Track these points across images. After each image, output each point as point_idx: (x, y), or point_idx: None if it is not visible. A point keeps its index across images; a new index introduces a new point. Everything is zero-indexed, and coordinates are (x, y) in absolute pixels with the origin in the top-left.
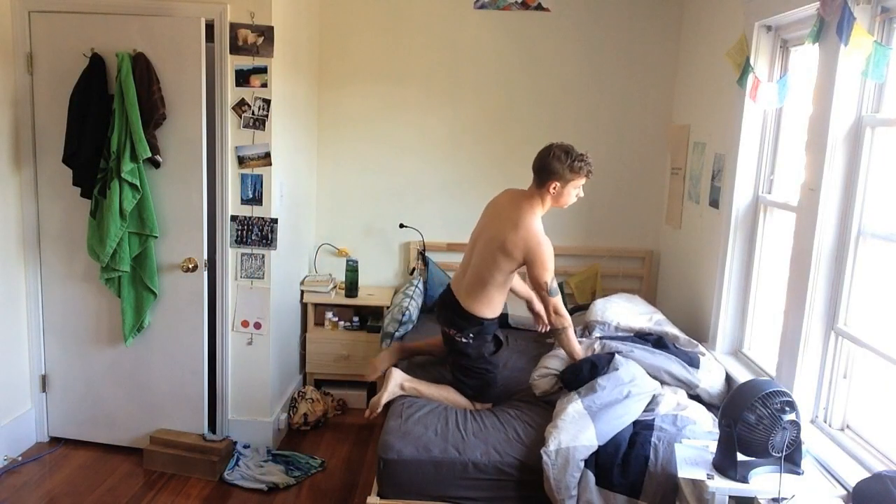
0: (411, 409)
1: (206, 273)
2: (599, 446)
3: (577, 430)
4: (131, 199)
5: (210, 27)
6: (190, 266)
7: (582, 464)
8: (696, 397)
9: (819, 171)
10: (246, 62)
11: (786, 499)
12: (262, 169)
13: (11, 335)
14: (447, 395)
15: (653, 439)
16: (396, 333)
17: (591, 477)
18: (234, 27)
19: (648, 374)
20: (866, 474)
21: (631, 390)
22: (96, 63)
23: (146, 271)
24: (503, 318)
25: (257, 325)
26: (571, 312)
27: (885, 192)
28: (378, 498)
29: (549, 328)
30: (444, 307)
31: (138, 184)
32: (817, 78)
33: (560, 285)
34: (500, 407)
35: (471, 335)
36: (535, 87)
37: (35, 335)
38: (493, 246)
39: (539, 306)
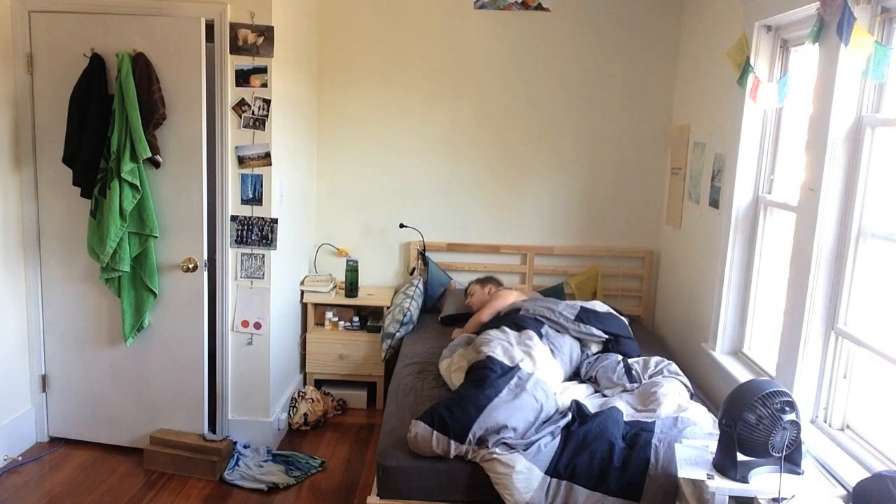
0: (409, 412)
1: (206, 273)
2: (595, 451)
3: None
4: (131, 199)
5: (210, 27)
6: (190, 266)
7: (535, 466)
8: None
9: (819, 171)
10: (246, 62)
11: (786, 499)
12: (262, 169)
13: (11, 335)
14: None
15: (654, 441)
16: (397, 334)
17: (579, 490)
18: (234, 27)
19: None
20: (866, 474)
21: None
22: (96, 63)
23: (146, 271)
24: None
25: (257, 325)
26: None
27: (885, 192)
28: (378, 498)
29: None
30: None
31: (138, 184)
32: (817, 78)
33: (560, 285)
34: None
35: None
36: (536, 86)
37: (35, 335)
38: None
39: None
